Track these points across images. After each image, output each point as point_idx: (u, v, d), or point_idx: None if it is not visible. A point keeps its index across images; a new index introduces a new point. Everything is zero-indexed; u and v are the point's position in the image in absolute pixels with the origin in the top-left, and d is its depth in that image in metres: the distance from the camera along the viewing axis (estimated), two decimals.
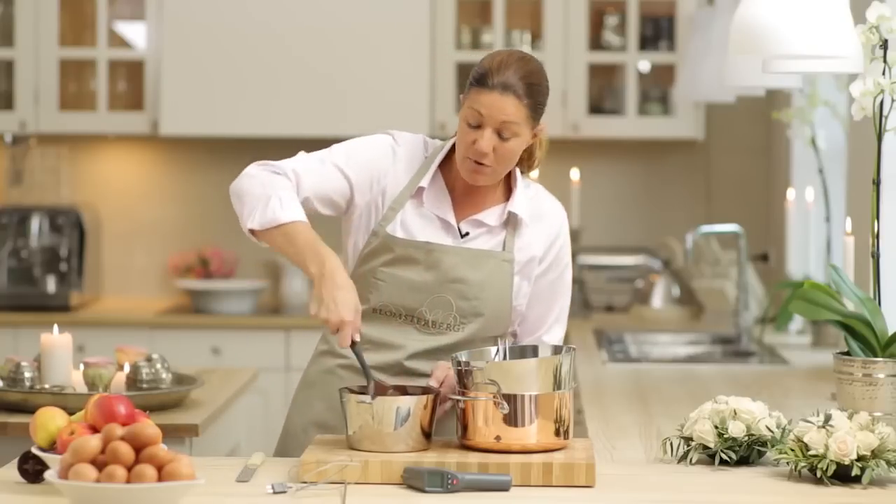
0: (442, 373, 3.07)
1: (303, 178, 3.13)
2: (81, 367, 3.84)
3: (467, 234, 3.18)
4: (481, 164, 3.08)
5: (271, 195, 3.06)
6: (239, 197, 3.10)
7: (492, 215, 3.19)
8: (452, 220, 3.18)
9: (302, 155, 3.19)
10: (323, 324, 2.98)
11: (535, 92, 3.08)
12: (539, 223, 3.22)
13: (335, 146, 3.22)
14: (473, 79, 3.08)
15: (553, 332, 3.28)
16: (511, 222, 3.19)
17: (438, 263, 3.14)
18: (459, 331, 3.17)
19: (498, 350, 3.04)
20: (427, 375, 3.14)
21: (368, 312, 3.16)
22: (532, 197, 3.23)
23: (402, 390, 2.99)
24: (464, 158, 3.11)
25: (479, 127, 3.06)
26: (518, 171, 3.22)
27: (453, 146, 3.20)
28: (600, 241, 6.79)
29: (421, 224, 3.17)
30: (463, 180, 3.17)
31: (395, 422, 2.86)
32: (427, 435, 2.91)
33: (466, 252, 3.16)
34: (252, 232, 3.07)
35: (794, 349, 5.14)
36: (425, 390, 2.98)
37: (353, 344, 2.97)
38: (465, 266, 3.14)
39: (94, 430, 2.71)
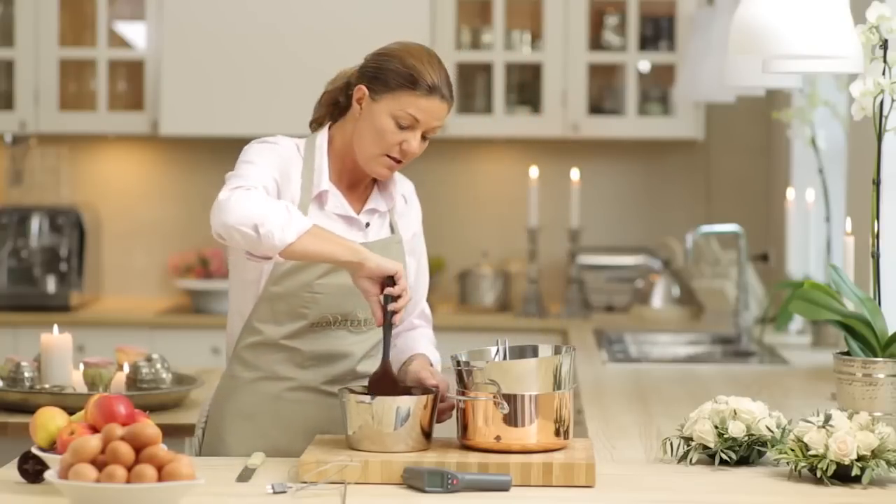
0: (428, 373, 3.07)
1: (269, 192, 3.06)
2: (81, 367, 3.84)
3: (368, 224, 3.19)
4: (399, 162, 3.11)
5: (286, 205, 2.95)
6: (250, 222, 2.89)
7: (379, 201, 3.21)
8: (355, 214, 3.18)
9: (248, 169, 3.04)
10: (380, 289, 2.93)
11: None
12: (407, 200, 3.28)
13: (251, 155, 3.08)
14: (407, 81, 3.05)
15: (425, 301, 3.36)
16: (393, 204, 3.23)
17: None
18: None
19: (498, 350, 3.04)
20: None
21: (305, 328, 3.13)
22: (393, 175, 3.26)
23: (406, 390, 2.99)
24: (380, 156, 3.10)
25: (408, 129, 3.08)
26: None
27: (327, 140, 3.17)
28: (600, 241, 6.79)
29: (332, 227, 3.09)
30: (346, 174, 3.17)
31: (394, 422, 2.86)
32: (427, 435, 2.91)
33: (380, 243, 3.16)
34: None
35: (794, 349, 5.14)
36: (425, 390, 2.98)
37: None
38: None
39: (94, 430, 2.71)
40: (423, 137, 3.10)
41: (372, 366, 3.14)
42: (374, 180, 3.22)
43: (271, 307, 3.14)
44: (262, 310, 3.15)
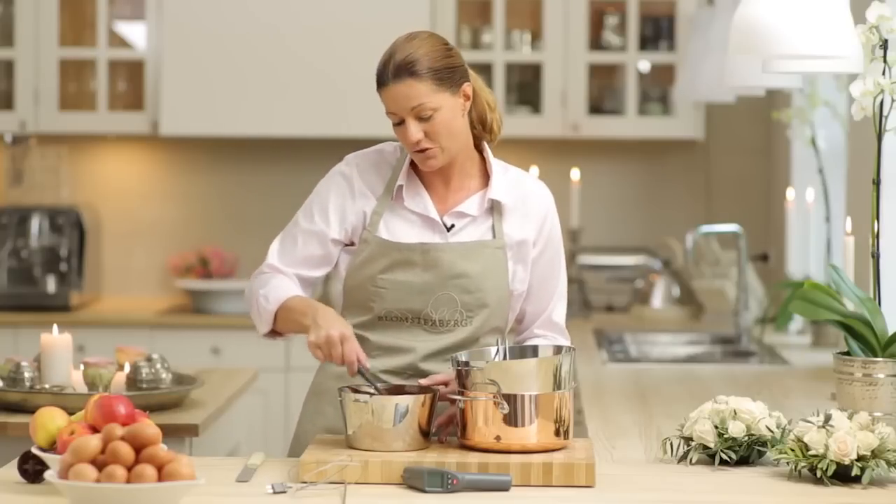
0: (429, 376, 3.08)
1: (282, 266, 3.20)
2: (81, 367, 3.84)
3: (452, 226, 3.18)
4: (423, 150, 3.11)
5: (258, 299, 3.17)
6: (251, 316, 3.24)
7: (472, 205, 3.20)
8: (435, 215, 3.18)
9: (275, 244, 3.25)
10: (324, 356, 3.00)
11: (428, 61, 3.11)
12: (525, 206, 3.23)
13: (299, 214, 3.24)
14: (376, 83, 3.14)
15: (558, 310, 3.29)
16: (495, 209, 3.20)
17: (436, 262, 3.14)
18: (467, 325, 3.16)
19: (498, 350, 3.04)
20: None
21: (374, 321, 3.17)
22: (513, 180, 3.24)
23: (402, 390, 3.00)
24: (411, 154, 3.15)
25: (399, 124, 3.12)
26: (491, 155, 3.23)
27: None
28: (600, 241, 6.79)
29: (405, 226, 3.17)
30: (436, 174, 3.19)
31: (394, 418, 2.86)
32: (425, 433, 2.91)
33: (460, 246, 3.16)
34: (273, 335, 3.21)
35: (794, 349, 5.14)
36: (424, 389, 2.98)
37: (360, 368, 2.99)
38: (461, 260, 3.14)
39: (94, 430, 2.71)
40: (425, 119, 3.09)
41: (438, 366, 3.14)
42: (485, 180, 3.22)
43: (350, 297, 3.21)
44: (345, 299, 3.24)
